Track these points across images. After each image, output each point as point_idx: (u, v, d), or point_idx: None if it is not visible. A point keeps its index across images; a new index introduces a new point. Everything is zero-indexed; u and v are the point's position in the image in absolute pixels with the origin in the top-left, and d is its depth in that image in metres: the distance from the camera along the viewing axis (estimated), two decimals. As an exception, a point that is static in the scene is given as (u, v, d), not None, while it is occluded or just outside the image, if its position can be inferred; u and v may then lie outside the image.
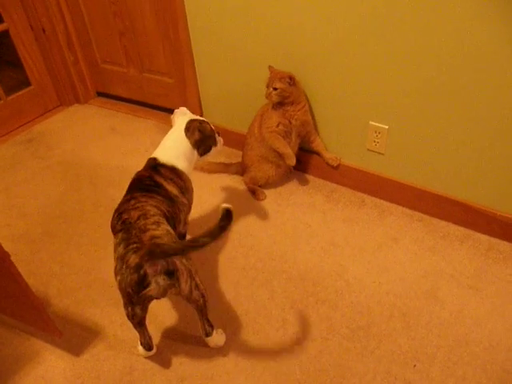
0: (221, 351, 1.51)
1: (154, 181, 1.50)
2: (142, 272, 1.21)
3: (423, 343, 1.49)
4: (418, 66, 1.65)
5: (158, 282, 1.23)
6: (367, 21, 1.67)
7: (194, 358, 1.50)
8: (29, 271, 1.83)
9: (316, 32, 1.81)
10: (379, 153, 1.95)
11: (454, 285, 1.67)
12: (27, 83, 2.77)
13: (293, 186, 2.19)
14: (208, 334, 1.47)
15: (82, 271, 1.82)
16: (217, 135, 1.72)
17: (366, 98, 1.85)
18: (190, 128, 1.62)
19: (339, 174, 2.12)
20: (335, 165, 2.07)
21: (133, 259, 1.22)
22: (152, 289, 1.23)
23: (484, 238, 1.85)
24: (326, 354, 1.48)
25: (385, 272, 1.73)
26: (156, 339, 1.56)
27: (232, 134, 2.38)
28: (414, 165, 1.89)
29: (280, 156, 2.03)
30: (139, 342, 1.48)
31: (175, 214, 1.50)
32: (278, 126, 1.96)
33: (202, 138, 1.64)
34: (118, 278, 1.27)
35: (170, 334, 1.58)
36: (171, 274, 1.24)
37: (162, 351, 1.53)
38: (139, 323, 1.39)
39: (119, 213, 1.39)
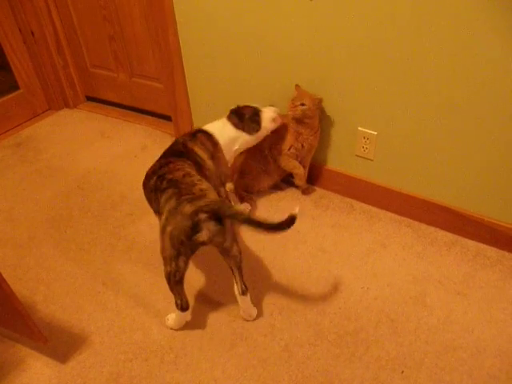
0: (209, 358, 1.50)
1: (185, 146, 1.67)
2: (196, 219, 1.32)
3: (411, 349, 1.49)
4: (406, 72, 1.66)
5: (208, 227, 1.35)
6: (357, 28, 1.68)
7: (180, 365, 1.49)
8: (15, 277, 1.81)
9: (305, 38, 1.82)
10: (368, 159, 1.95)
11: (442, 290, 1.67)
12: (16, 87, 2.75)
13: (281, 192, 2.19)
14: (244, 293, 1.53)
15: (69, 277, 1.81)
16: (266, 114, 1.85)
17: (355, 104, 1.85)
18: (229, 113, 1.83)
19: (328, 180, 2.13)
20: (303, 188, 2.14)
21: (188, 208, 1.33)
22: (203, 234, 1.35)
23: (472, 243, 1.86)
24: (314, 359, 1.48)
25: (373, 278, 1.73)
26: (144, 344, 1.55)
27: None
28: (402, 171, 1.90)
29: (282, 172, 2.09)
30: (175, 305, 1.51)
31: (204, 178, 1.58)
32: (289, 149, 1.97)
33: (240, 116, 1.81)
34: (170, 228, 1.35)
35: (158, 340, 1.57)
36: (220, 220, 1.36)
37: (148, 357, 1.52)
38: (179, 281, 1.46)
39: (159, 175, 1.51)
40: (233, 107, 1.84)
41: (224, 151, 1.78)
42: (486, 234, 1.82)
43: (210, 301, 1.69)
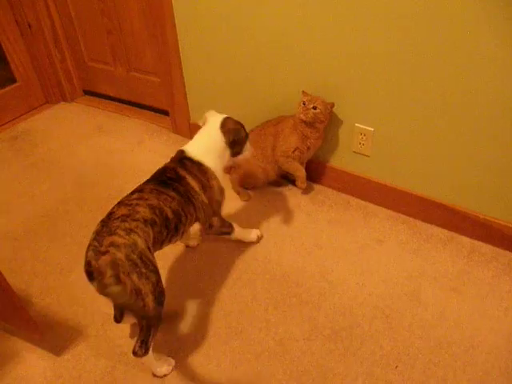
0: (204, 352, 1.51)
1: (176, 173, 1.52)
2: (87, 270, 1.25)
3: (405, 344, 1.50)
4: (403, 69, 1.67)
5: (94, 285, 1.25)
6: (354, 27, 1.68)
7: (175, 357, 1.50)
8: (10, 269, 1.80)
9: (303, 34, 1.82)
10: (365, 155, 1.96)
11: (437, 287, 1.68)
12: (12, 80, 2.74)
13: (279, 188, 2.19)
14: (135, 354, 1.33)
15: (64, 270, 1.81)
16: (249, 146, 1.71)
17: (352, 100, 1.85)
18: (225, 125, 1.60)
19: (324, 176, 2.13)
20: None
21: (89, 255, 1.26)
22: (95, 286, 1.25)
23: (467, 240, 1.87)
24: (309, 354, 1.49)
25: (368, 274, 1.74)
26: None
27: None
28: (398, 167, 1.90)
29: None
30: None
31: (188, 213, 1.49)
32: (294, 151, 1.94)
33: (237, 137, 1.61)
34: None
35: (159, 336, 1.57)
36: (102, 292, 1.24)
37: (144, 351, 1.52)
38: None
39: (119, 202, 1.42)
40: (226, 118, 1.62)
41: (218, 177, 1.60)
42: (482, 231, 1.83)
43: (204, 296, 1.69)
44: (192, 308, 1.64)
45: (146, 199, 1.41)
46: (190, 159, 1.56)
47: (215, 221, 1.67)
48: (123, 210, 1.36)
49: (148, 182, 1.51)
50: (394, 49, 1.64)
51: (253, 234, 1.87)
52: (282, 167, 2.00)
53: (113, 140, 2.57)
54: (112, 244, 1.26)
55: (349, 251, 1.84)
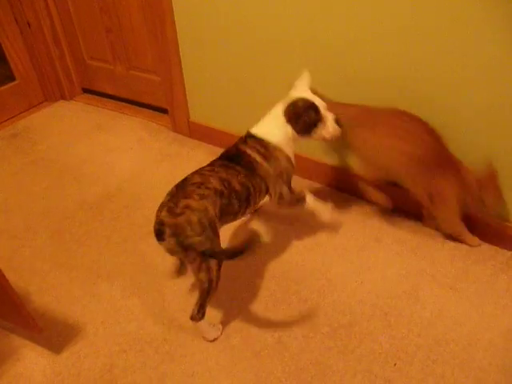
0: (203, 349, 1.51)
1: (238, 149, 1.61)
2: (159, 228, 1.36)
3: (404, 342, 1.51)
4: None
5: (169, 242, 1.36)
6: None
7: (175, 355, 1.50)
8: (9, 267, 1.81)
9: (301, 29, 1.82)
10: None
11: (435, 285, 1.69)
12: (12, 78, 2.74)
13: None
14: (193, 318, 1.47)
15: (63, 268, 1.81)
16: (328, 120, 1.63)
17: (347, 94, 1.85)
18: (288, 106, 1.61)
19: (321, 174, 2.13)
20: None
21: (163, 215, 1.37)
22: (164, 245, 1.38)
23: (465, 239, 1.87)
24: (307, 352, 1.49)
25: (367, 271, 1.75)
26: (138, 335, 1.56)
27: (219, 133, 2.38)
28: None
29: None
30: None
31: (256, 184, 1.57)
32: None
33: (294, 116, 1.60)
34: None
35: (152, 331, 1.58)
36: (182, 245, 1.36)
37: (143, 348, 1.52)
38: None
39: (193, 172, 1.53)
40: (291, 100, 1.60)
41: (283, 148, 1.63)
42: (480, 230, 1.83)
43: (204, 293, 1.69)
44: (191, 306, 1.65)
45: (217, 172, 1.51)
46: (253, 136, 1.63)
47: (285, 190, 1.68)
48: (197, 178, 1.48)
49: (216, 159, 1.61)
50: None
51: (327, 213, 1.82)
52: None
53: (112, 138, 2.57)
54: (187, 206, 1.37)
55: (348, 249, 1.84)
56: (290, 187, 1.70)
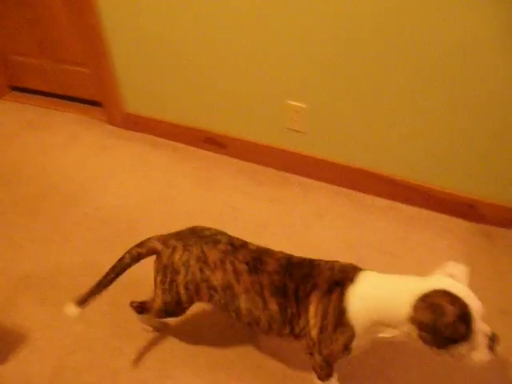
0: (152, 341, 1.50)
1: (307, 295, 1.15)
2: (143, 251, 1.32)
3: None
4: (334, 43, 1.69)
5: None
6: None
7: (124, 350, 1.48)
8: None
9: (227, 20, 1.80)
10: (300, 131, 1.98)
11: (378, 254, 1.74)
12: None
13: (216, 169, 2.18)
14: None
15: (3, 275, 1.74)
16: (479, 337, 0.99)
17: (283, 77, 1.86)
18: (429, 305, 0.98)
19: (261, 155, 2.14)
20: None
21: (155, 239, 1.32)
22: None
23: (406, 207, 1.94)
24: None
25: (311, 248, 1.77)
26: (87, 334, 1.52)
27: (156, 122, 2.34)
28: (335, 141, 1.94)
29: None
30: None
31: (273, 326, 1.20)
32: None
33: (433, 326, 0.97)
34: None
35: (100, 328, 1.55)
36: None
37: (91, 347, 1.50)
38: None
39: (223, 246, 1.25)
40: (434, 296, 0.99)
41: (356, 333, 1.10)
42: (419, 197, 1.90)
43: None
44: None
45: (239, 277, 1.20)
46: (344, 295, 1.11)
47: (317, 358, 1.20)
48: (214, 256, 1.22)
49: (280, 264, 1.20)
50: (321, 20, 1.66)
51: None
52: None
53: (44, 136, 2.47)
54: (173, 249, 1.26)
55: (291, 227, 1.87)
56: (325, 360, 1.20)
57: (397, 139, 1.81)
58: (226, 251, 1.23)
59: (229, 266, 1.21)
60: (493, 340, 1.01)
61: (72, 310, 1.26)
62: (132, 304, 1.45)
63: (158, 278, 1.28)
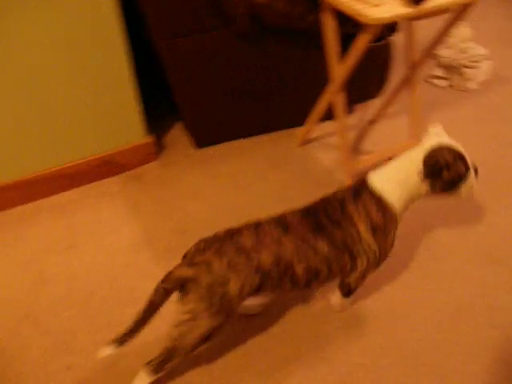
0: None
1: (342, 209, 1.22)
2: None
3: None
4: None
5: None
6: None
7: None
8: None
9: None
10: None
11: (52, 255, 1.66)
12: None
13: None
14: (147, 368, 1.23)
15: None
16: (471, 173, 1.27)
17: None
18: (432, 155, 1.22)
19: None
20: None
21: (188, 254, 1.18)
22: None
23: (51, 199, 1.88)
24: None
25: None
26: None
27: None
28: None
29: None
30: None
31: (336, 266, 1.22)
32: None
33: (440, 170, 1.22)
34: None
35: None
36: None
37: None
38: None
39: (256, 223, 1.19)
40: (434, 149, 1.23)
41: (399, 219, 1.27)
42: (59, 182, 1.87)
43: None
44: None
45: (281, 244, 1.15)
46: (370, 191, 1.23)
47: (358, 279, 1.32)
48: (248, 240, 1.15)
49: (300, 213, 1.22)
50: None
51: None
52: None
53: None
54: (207, 263, 1.11)
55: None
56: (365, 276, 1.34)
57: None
58: (251, 232, 1.17)
59: (266, 240, 1.15)
60: (476, 171, 1.27)
61: (105, 350, 1.11)
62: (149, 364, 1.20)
63: (201, 307, 1.11)
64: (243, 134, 2.13)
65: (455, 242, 1.68)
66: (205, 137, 2.08)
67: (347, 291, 1.38)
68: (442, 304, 1.51)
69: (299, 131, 2.08)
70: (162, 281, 1.12)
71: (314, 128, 2.01)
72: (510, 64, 2.65)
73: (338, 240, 1.19)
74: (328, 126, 2.10)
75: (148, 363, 1.19)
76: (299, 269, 1.16)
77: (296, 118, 2.12)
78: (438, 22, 1.71)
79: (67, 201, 1.86)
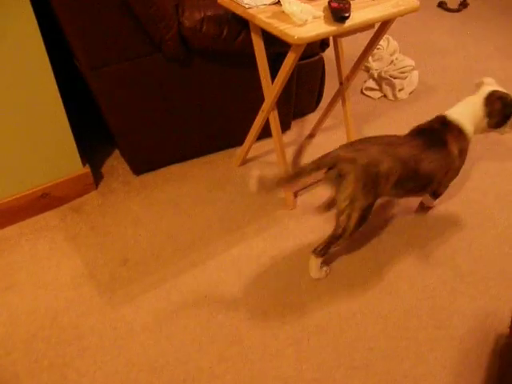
0: None
1: (440, 137, 1.59)
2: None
3: None
4: None
5: (328, 173, 1.47)
6: None
7: None
8: None
9: None
10: None
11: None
12: None
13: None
14: (314, 251, 1.59)
15: None
16: None
17: None
18: (491, 95, 1.64)
19: None
20: None
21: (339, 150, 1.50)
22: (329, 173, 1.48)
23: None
24: None
25: None
26: None
27: None
28: None
29: None
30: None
31: (436, 176, 1.59)
32: None
33: (500, 110, 1.64)
34: None
35: None
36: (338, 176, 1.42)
37: None
38: None
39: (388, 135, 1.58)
40: (497, 93, 1.65)
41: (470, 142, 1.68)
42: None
43: None
44: None
45: (411, 146, 1.53)
46: (452, 123, 1.61)
47: (446, 186, 1.79)
48: (391, 139, 1.53)
49: (413, 135, 1.61)
50: None
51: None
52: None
53: None
54: (365, 150, 1.43)
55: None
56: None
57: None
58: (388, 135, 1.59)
59: (399, 141, 1.53)
60: None
61: None
62: (315, 251, 1.58)
63: (358, 187, 1.40)
64: (181, 158, 2.12)
65: (398, 248, 1.76)
66: (142, 163, 2.05)
67: (438, 195, 1.82)
68: (387, 311, 1.57)
69: (238, 151, 2.10)
70: (321, 157, 1.44)
71: (253, 147, 2.04)
72: (434, 73, 2.81)
73: (443, 157, 1.56)
74: (267, 143, 2.13)
75: (314, 250, 1.58)
76: (422, 170, 1.51)
77: (234, 138, 2.14)
78: (368, 35, 1.79)
79: (3, 238, 1.78)
